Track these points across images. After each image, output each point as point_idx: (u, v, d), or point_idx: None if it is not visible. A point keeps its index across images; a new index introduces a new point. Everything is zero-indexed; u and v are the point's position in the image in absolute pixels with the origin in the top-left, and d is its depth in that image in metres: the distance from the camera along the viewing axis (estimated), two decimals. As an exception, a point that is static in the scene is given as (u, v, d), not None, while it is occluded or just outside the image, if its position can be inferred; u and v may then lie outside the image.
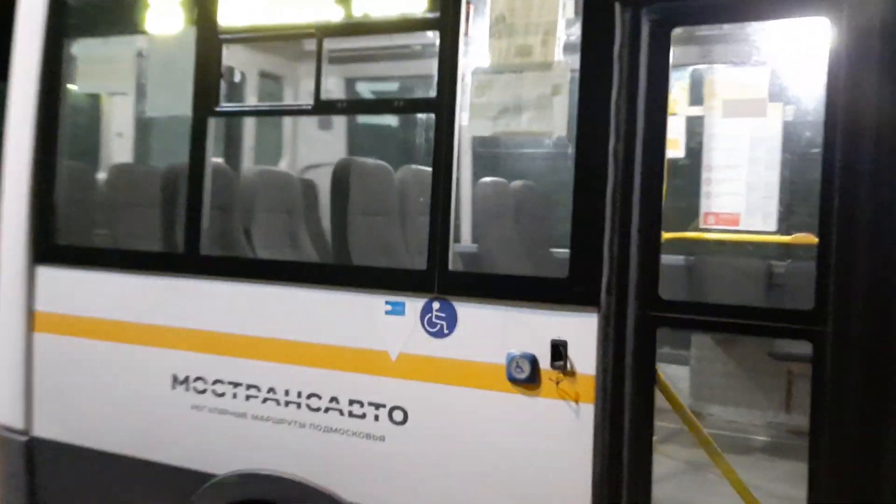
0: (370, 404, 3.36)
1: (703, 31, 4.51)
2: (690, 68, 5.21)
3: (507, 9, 3.13)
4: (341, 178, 3.91)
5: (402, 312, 3.30)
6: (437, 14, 3.22)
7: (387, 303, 3.33)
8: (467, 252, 5.55)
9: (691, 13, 2.88)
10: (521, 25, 3.11)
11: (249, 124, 5.75)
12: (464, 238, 5.96)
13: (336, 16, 3.41)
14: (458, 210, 5.96)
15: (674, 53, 2.87)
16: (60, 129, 4.07)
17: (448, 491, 3.21)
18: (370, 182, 3.99)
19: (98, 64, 3.96)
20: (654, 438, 2.95)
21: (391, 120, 6.46)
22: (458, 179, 5.88)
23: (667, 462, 3.86)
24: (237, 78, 3.71)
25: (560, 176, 6.21)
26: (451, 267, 3.21)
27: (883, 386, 2.62)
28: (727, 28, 4.38)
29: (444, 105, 3.20)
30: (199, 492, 3.66)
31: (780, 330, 2.90)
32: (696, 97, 5.34)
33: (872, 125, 2.59)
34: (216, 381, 3.68)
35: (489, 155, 6.03)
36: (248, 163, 5.83)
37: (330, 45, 3.67)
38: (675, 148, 5.53)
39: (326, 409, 3.45)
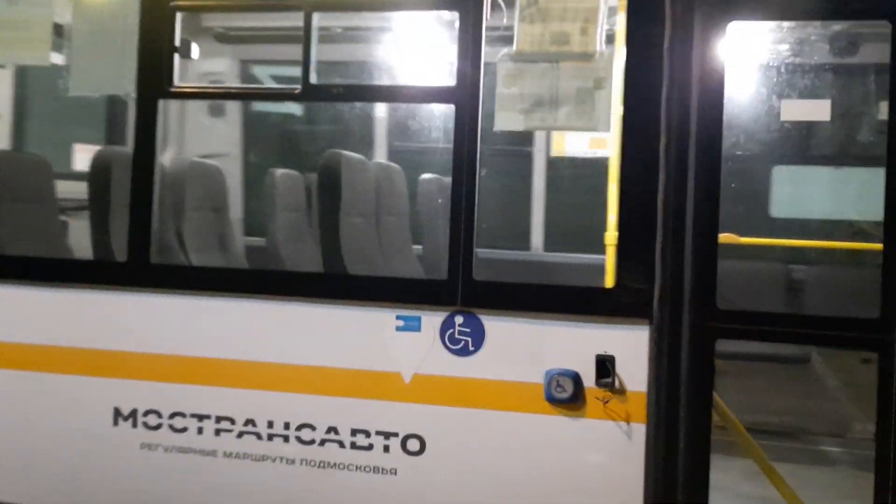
0: (378, 433, 2.95)
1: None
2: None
3: (542, -9, 2.83)
4: (330, 173, 3.41)
5: (416, 328, 2.92)
6: (455, -7, 2.87)
7: (398, 317, 2.93)
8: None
9: (750, 8, 2.73)
10: (557, 10, 2.83)
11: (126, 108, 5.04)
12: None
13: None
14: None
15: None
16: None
17: (474, 527, 2.88)
18: (357, 179, 3.53)
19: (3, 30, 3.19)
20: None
21: (293, 108, 5.93)
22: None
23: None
24: (195, 54, 3.10)
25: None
26: (475, 276, 2.88)
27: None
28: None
29: (465, 96, 2.84)
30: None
31: (846, 339, 2.84)
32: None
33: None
34: (175, 415, 3.10)
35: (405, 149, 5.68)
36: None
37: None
38: (603, 147, 5.49)
39: (322, 442, 2.99)
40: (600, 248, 5.46)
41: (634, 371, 2.75)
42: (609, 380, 2.76)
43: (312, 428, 3.00)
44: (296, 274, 3.59)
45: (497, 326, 2.87)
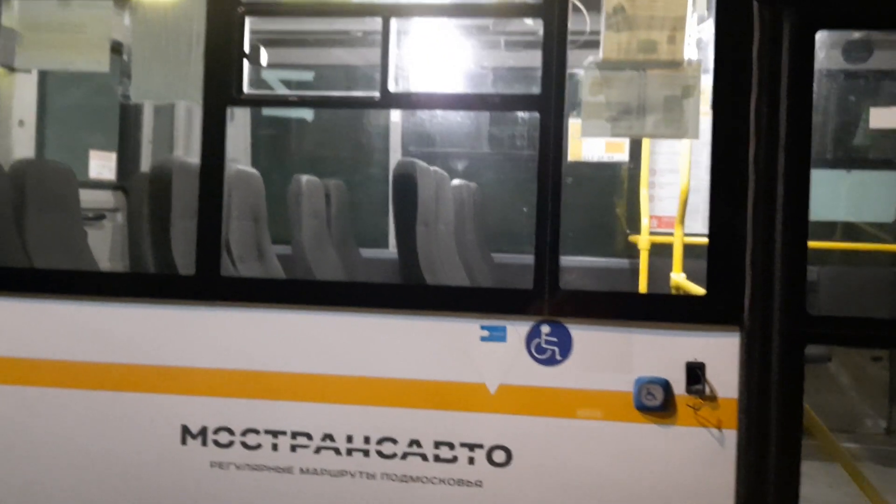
0: (463, 445, 2.91)
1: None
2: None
3: (627, -1, 2.83)
4: (405, 181, 3.34)
5: (502, 338, 2.89)
6: (539, 0, 2.84)
7: (483, 328, 2.89)
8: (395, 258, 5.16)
9: (837, 16, 2.77)
10: (644, 18, 2.82)
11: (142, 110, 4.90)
12: (392, 244, 5.52)
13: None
14: (387, 213, 5.53)
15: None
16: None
17: (564, 538, 2.87)
18: (427, 187, 3.47)
19: (55, 32, 3.05)
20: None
21: (306, 113, 5.83)
22: (388, 179, 5.53)
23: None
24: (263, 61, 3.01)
25: (498, 175, 6.01)
26: (561, 285, 2.86)
27: None
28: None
29: (551, 103, 2.82)
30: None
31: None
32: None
33: None
34: (247, 431, 3.00)
35: (421, 154, 5.63)
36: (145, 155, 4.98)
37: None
38: (620, 151, 5.53)
39: (404, 455, 2.93)
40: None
41: (725, 377, 2.76)
42: (700, 387, 2.77)
43: (394, 441, 2.94)
44: (378, 285, 3.51)
45: (584, 335, 2.85)
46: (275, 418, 2.98)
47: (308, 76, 5.48)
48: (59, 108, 4.40)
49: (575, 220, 5.55)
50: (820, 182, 5.53)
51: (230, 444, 3.01)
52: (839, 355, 5.30)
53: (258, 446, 3.00)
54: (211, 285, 3.00)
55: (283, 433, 2.99)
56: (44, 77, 3.98)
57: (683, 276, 4.16)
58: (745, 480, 2.75)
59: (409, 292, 3.22)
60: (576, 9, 2.92)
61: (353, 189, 5.48)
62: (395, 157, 5.51)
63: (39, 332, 3.09)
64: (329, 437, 2.97)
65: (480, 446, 2.90)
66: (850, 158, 5.42)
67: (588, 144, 5.38)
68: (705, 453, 2.78)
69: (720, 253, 2.78)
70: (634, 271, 5.31)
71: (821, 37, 2.76)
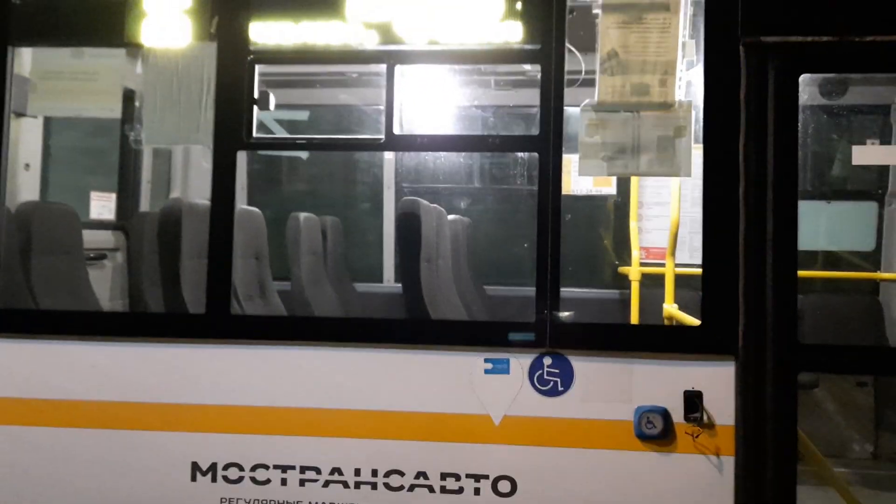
0: (469, 476, 2.98)
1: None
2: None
3: (620, 45, 2.97)
4: (409, 220, 3.45)
5: (505, 371, 2.98)
6: (538, 46, 2.98)
7: (486, 360, 2.99)
8: (391, 293, 5.25)
9: (819, 60, 2.93)
10: (637, 63, 2.97)
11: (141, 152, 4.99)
12: (386, 278, 5.62)
13: (413, 42, 3.03)
14: (382, 248, 5.64)
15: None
16: (2, 162, 3.18)
17: (570, 566, 2.94)
18: (429, 224, 3.58)
19: (67, 80, 3.15)
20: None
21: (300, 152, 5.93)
22: (383, 215, 5.65)
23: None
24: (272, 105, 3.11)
25: (490, 210, 6.13)
26: (563, 318, 2.97)
27: None
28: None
29: (549, 143, 2.95)
30: None
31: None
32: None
33: None
34: (257, 467, 3.06)
35: (414, 190, 5.75)
36: (144, 196, 5.06)
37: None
38: (608, 185, 5.68)
39: (411, 487, 3.00)
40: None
41: (722, 405, 2.87)
42: (698, 415, 2.87)
43: (401, 474, 3.01)
44: (385, 321, 3.60)
45: (585, 366, 2.95)
46: (284, 453, 3.05)
47: (303, 115, 5.59)
48: (62, 151, 4.48)
49: (564, 252, 5.68)
50: (802, 213, 5.71)
51: (240, 479, 3.07)
52: (825, 381, 5.42)
53: (268, 481, 3.06)
54: (221, 324, 3.07)
55: (293, 468, 3.05)
56: (48, 121, 4.07)
57: (675, 306, 4.28)
58: (743, 505, 2.85)
59: (415, 327, 3.31)
60: (570, 51, 3.05)
61: (348, 224, 5.58)
62: (389, 192, 5.62)
63: (50, 373, 3.14)
64: (337, 470, 3.03)
65: (486, 477, 2.97)
66: (829, 190, 5.60)
67: (577, 178, 5.51)
68: (704, 480, 2.87)
69: (714, 285, 2.90)
70: (624, 302, 5.44)
71: (801, 76, 2.91)
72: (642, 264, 5.33)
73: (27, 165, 3.90)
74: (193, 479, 3.08)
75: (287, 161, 6.22)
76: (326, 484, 3.04)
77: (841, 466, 5.35)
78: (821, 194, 5.58)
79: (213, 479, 3.08)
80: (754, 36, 2.87)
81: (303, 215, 4.58)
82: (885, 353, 3.04)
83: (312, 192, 6.16)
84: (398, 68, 3.04)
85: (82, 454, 3.11)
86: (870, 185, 5.43)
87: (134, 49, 3.27)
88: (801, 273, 2.89)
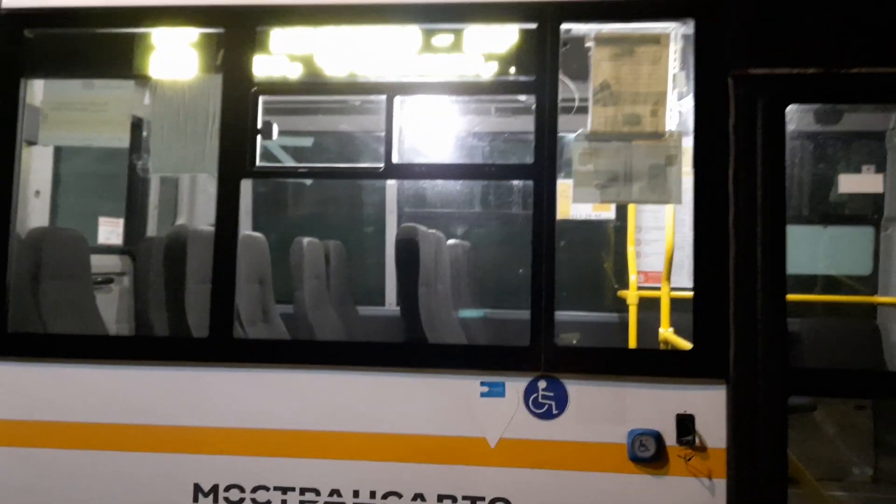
0: (465, 498, 3.04)
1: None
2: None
3: (613, 77, 3.07)
4: (408, 246, 3.53)
5: (501, 394, 3.04)
6: (532, 78, 3.07)
7: (482, 384, 3.05)
8: (393, 316, 5.31)
9: (806, 91, 3.01)
10: (629, 94, 3.06)
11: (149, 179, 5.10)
12: (388, 301, 5.69)
13: (412, 74, 3.13)
14: (384, 272, 5.72)
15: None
16: (14, 189, 3.28)
17: (565, 586, 2.98)
18: (427, 250, 3.66)
19: (78, 111, 3.25)
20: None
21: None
22: (385, 240, 5.73)
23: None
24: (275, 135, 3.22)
25: (489, 234, 6.22)
26: (557, 342, 3.03)
27: None
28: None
29: (542, 172, 3.04)
30: None
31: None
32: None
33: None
34: (258, 488, 3.12)
35: (415, 215, 5.84)
36: (151, 221, 5.16)
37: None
38: (607, 210, 5.76)
39: (409, 509, 3.06)
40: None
41: (714, 428, 2.92)
42: (690, 438, 2.93)
43: (399, 496, 3.07)
44: (383, 345, 3.67)
45: (579, 389, 3.01)
46: (284, 475, 3.11)
47: (307, 142, 5.70)
48: (71, 178, 4.59)
49: (564, 275, 5.76)
50: (800, 238, 5.78)
51: (241, 500, 3.13)
52: (824, 405, 5.45)
53: (268, 503, 3.11)
54: (224, 348, 3.15)
55: (293, 489, 3.11)
56: (57, 149, 4.18)
57: (671, 330, 4.34)
58: (735, 528, 2.89)
59: (412, 351, 3.37)
60: (564, 82, 3.14)
61: (351, 248, 5.67)
62: (392, 217, 5.72)
63: (57, 396, 3.22)
64: (336, 492, 3.09)
65: (482, 499, 3.03)
66: (826, 215, 5.68)
67: (576, 203, 5.60)
68: (697, 502, 2.92)
69: (705, 310, 2.96)
70: (623, 325, 5.49)
71: (789, 106, 3.00)
72: (641, 288, 5.41)
73: (37, 192, 4.01)
74: (196, 500, 3.14)
75: (291, 186, 6.33)
76: (325, 506, 3.10)
77: (840, 490, 5.37)
78: (818, 219, 5.65)
79: (215, 501, 3.13)
80: (742, 68, 2.96)
81: (306, 240, 4.67)
82: (875, 377, 3.09)
83: (316, 216, 6.26)
84: (397, 99, 3.14)
85: (87, 475, 3.17)
86: (866, 210, 5.50)
87: (142, 81, 3.39)
88: (799, 297, 2.96)
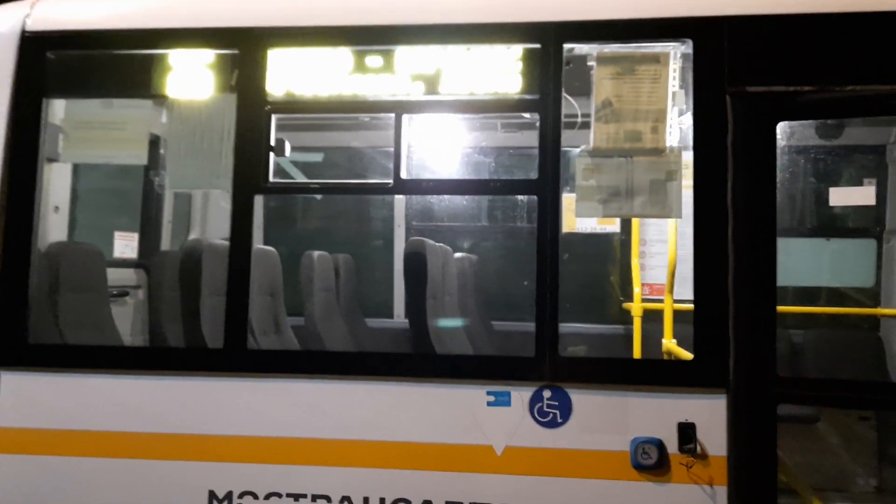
0: (472, 505, 3.12)
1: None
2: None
3: (614, 95, 3.16)
4: (416, 259, 3.63)
5: (507, 403, 3.13)
6: (536, 97, 3.17)
7: (488, 393, 3.14)
8: (402, 328, 5.39)
9: (801, 108, 3.10)
10: (630, 111, 3.15)
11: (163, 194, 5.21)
12: (396, 313, 5.77)
13: (419, 93, 3.23)
14: (392, 284, 5.81)
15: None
16: (35, 205, 3.40)
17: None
18: (435, 263, 3.76)
19: (98, 129, 3.37)
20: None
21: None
22: (394, 253, 5.83)
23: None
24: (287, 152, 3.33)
25: (496, 247, 6.31)
26: (561, 352, 3.12)
27: None
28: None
29: (547, 187, 3.13)
30: None
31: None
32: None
33: None
34: (270, 495, 3.21)
35: (423, 229, 5.94)
36: (165, 235, 5.27)
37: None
38: (612, 223, 5.84)
39: (418, 515, 3.14)
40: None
41: (715, 436, 3.00)
42: (691, 445, 3.00)
43: (408, 502, 3.15)
44: (392, 355, 3.77)
45: (583, 398, 3.09)
46: (296, 482, 3.20)
47: (317, 157, 5.81)
48: (88, 193, 4.70)
49: (571, 288, 5.84)
50: (804, 250, 5.85)
51: (254, 507, 3.22)
52: (828, 415, 5.51)
53: (280, 509, 3.20)
54: (238, 358, 3.25)
55: (304, 496, 3.19)
56: (75, 166, 4.30)
57: (675, 341, 4.41)
58: (736, 533, 2.96)
59: (421, 362, 3.46)
60: (567, 99, 3.25)
61: (360, 261, 5.76)
62: (400, 231, 5.81)
63: (75, 405, 3.32)
64: (347, 499, 3.18)
65: (489, 505, 3.11)
66: (829, 227, 5.75)
67: (579, 217, 5.68)
68: (699, 509, 2.99)
69: (705, 321, 3.05)
70: (628, 337, 5.57)
71: (788, 122, 3.09)
72: (646, 300, 5.49)
73: (56, 208, 4.12)
74: (210, 506, 3.24)
75: (301, 201, 6.44)
76: (337, 512, 3.18)
77: (844, 501, 5.42)
78: (821, 232, 5.72)
79: (229, 507, 3.23)
80: (739, 86, 3.05)
81: (316, 253, 4.77)
82: (864, 387, 3.16)
83: (325, 230, 6.37)
84: (405, 117, 3.25)
85: (105, 483, 3.27)
86: (868, 222, 5.57)
87: (160, 100, 3.51)
88: (802, 309, 3.03)
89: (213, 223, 5.62)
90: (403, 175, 3.23)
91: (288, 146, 3.35)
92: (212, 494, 3.24)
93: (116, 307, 4.70)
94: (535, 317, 3.11)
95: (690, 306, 3.83)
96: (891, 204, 5.23)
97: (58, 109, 3.59)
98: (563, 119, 3.17)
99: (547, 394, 3.11)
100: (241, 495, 3.22)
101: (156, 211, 5.11)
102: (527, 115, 3.62)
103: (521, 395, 3.12)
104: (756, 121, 3.05)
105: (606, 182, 3.15)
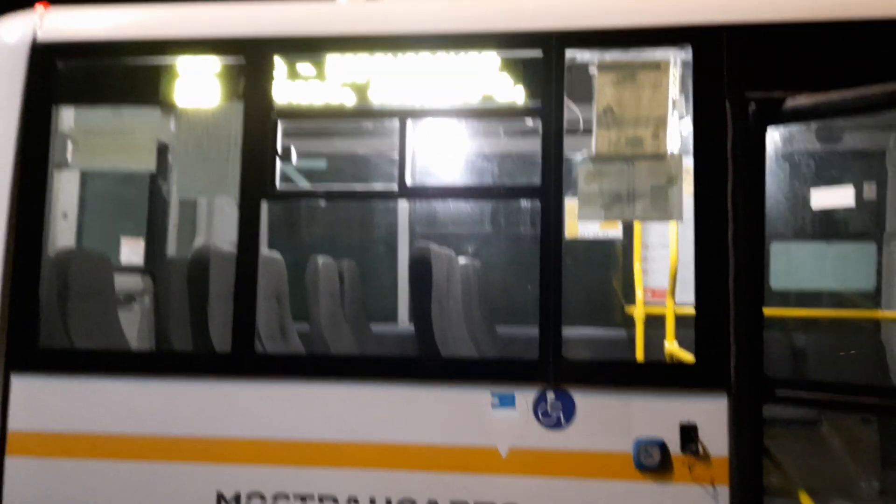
0: (477, 505, 3.16)
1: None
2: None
3: (615, 101, 3.21)
4: (422, 265, 3.68)
5: (511, 405, 3.17)
6: (538, 103, 3.23)
7: (493, 395, 3.18)
8: (406, 333, 5.43)
9: (797, 113, 3.14)
10: (631, 118, 3.20)
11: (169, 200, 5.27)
12: (400, 318, 5.82)
13: (423, 101, 3.29)
14: (396, 290, 5.85)
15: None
16: (45, 213, 3.45)
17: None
18: (440, 268, 3.80)
19: (107, 137, 3.43)
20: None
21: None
22: (398, 259, 5.87)
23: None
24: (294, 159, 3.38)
25: (499, 252, 6.36)
26: (564, 355, 3.16)
27: None
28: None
29: (550, 192, 3.18)
30: None
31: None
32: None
33: None
34: (278, 496, 3.25)
35: (427, 235, 5.99)
36: (171, 242, 5.32)
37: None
38: (615, 228, 5.89)
39: (423, 516, 3.18)
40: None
41: (716, 437, 3.04)
42: (693, 446, 3.04)
43: (413, 503, 3.19)
44: (399, 359, 3.81)
45: (587, 400, 3.14)
46: (303, 483, 3.24)
47: (322, 164, 5.87)
48: (96, 200, 4.76)
49: (574, 292, 5.89)
50: (804, 254, 5.89)
51: (262, 508, 3.26)
52: (830, 418, 5.53)
53: (288, 510, 3.24)
54: (246, 361, 3.30)
55: (311, 497, 3.24)
56: (83, 173, 4.36)
57: (676, 343, 4.46)
58: (738, 532, 3.00)
59: (426, 365, 3.51)
60: (569, 106, 3.30)
61: (364, 267, 5.81)
62: (404, 236, 5.86)
63: (85, 408, 3.36)
64: (354, 499, 3.22)
65: (493, 506, 3.15)
66: (829, 231, 5.79)
67: (582, 221, 5.73)
68: (702, 509, 3.03)
69: (705, 324, 3.09)
70: (632, 340, 5.61)
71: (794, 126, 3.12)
72: (648, 304, 5.53)
73: (65, 214, 4.18)
74: (219, 508, 3.28)
75: (305, 207, 6.50)
76: (343, 512, 3.22)
77: (847, 503, 5.43)
78: (822, 236, 5.76)
79: (238, 509, 3.27)
80: (738, 92, 3.10)
81: (321, 259, 4.82)
82: (851, 389, 3.18)
83: (330, 236, 6.43)
84: (410, 124, 3.30)
85: (115, 485, 3.31)
86: (869, 226, 5.61)
87: (168, 108, 3.56)
88: (803, 312, 3.06)
89: (218, 229, 5.67)
90: (408, 181, 3.28)
91: (294, 152, 3.40)
92: (220, 496, 3.28)
93: (122, 313, 4.75)
94: (538, 320, 3.16)
95: (687, 310, 3.88)
96: (891, 207, 5.27)
97: (67, 118, 3.65)
98: (566, 125, 3.22)
99: (551, 396, 3.15)
100: (249, 496, 3.26)
101: (161, 217, 5.16)
102: (530, 121, 3.66)
103: (525, 398, 3.16)
104: (755, 125, 3.10)
105: (608, 187, 3.20)
